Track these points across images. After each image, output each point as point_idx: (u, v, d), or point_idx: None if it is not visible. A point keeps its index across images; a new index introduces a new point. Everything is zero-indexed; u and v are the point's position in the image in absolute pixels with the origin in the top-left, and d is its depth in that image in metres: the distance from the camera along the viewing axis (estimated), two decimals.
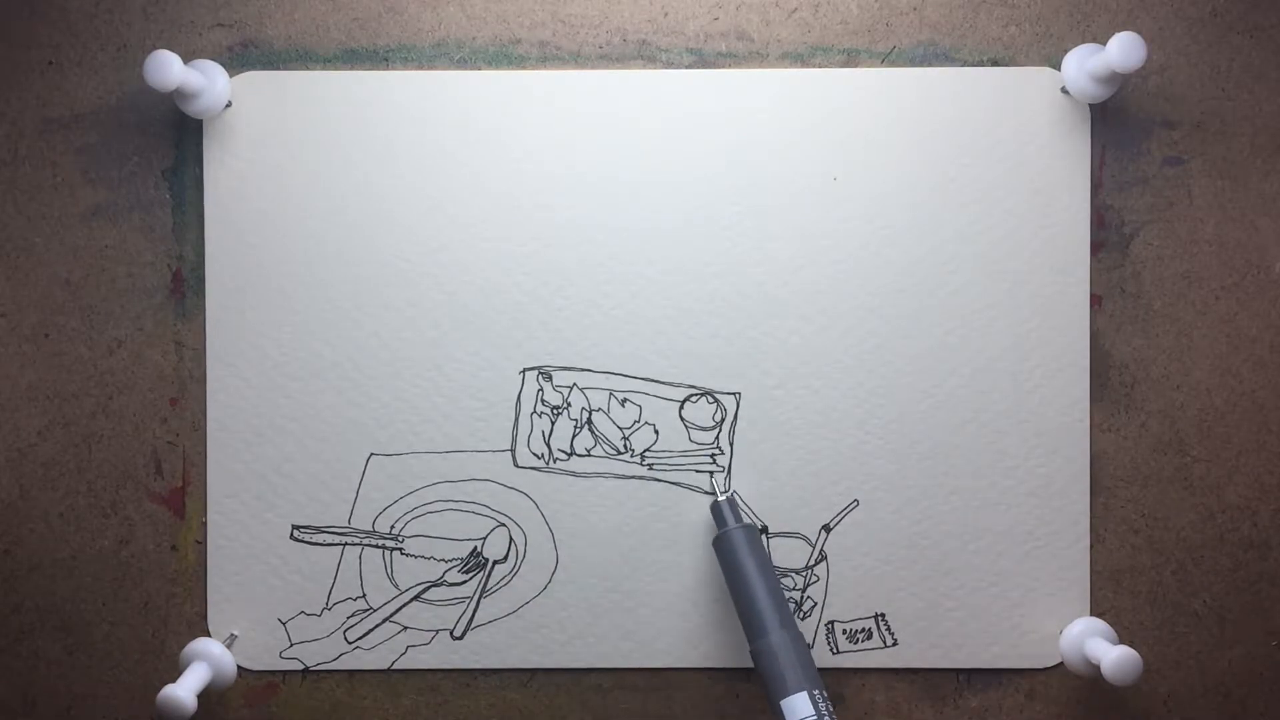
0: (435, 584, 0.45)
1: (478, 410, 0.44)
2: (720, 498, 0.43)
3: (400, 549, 0.44)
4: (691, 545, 0.44)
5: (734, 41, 0.45)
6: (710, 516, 0.43)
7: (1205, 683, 0.45)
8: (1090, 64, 0.42)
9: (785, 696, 0.38)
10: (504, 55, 0.45)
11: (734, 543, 0.41)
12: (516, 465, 0.45)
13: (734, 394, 0.44)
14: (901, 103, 0.44)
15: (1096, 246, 0.44)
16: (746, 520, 0.42)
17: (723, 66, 0.44)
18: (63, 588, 0.45)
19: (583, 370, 0.44)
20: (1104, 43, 0.42)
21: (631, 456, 0.44)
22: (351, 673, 0.45)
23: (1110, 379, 0.45)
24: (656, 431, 0.44)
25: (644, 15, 0.45)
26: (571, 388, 0.44)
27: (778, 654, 0.39)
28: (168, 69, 0.40)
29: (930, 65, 0.44)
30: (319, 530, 0.44)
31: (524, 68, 0.45)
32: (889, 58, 0.45)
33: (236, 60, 0.44)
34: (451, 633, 0.45)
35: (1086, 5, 0.44)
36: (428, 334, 0.44)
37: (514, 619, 0.45)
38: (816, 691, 0.38)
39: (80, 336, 0.44)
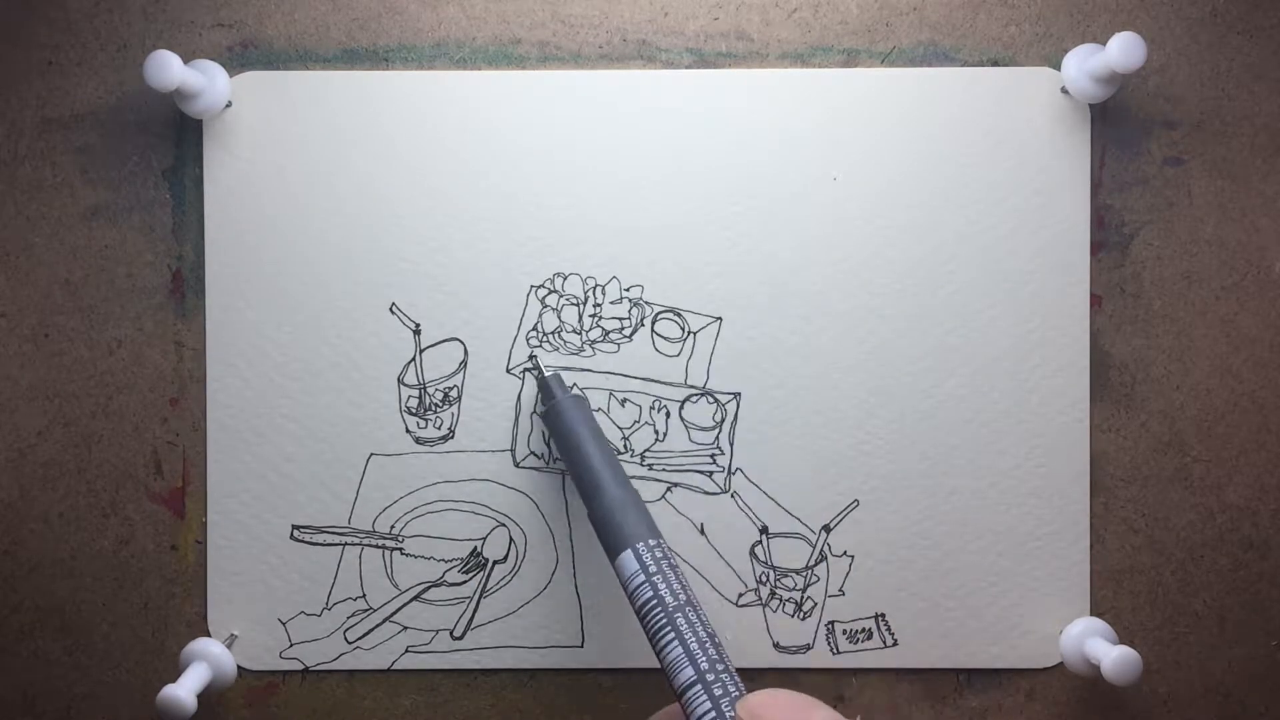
0: (435, 584, 0.45)
1: (478, 410, 0.44)
2: (546, 373, 0.43)
3: (400, 549, 0.44)
4: (692, 545, 0.44)
5: (734, 41, 0.45)
6: (541, 397, 0.43)
7: (1205, 683, 0.45)
8: (1090, 64, 0.42)
9: (626, 548, 0.38)
10: (504, 55, 0.45)
11: (564, 410, 0.42)
12: (516, 465, 0.45)
13: (734, 394, 0.44)
14: (901, 103, 0.44)
15: (1096, 246, 0.44)
16: (576, 393, 0.43)
17: (723, 66, 0.44)
18: (63, 588, 0.45)
19: (583, 370, 0.44)
20: (1104, 43, 0.42)
21: (631, 456, 0.44)
22: (351, 673, 0.45)
23: (1110, 379, 0.45)
24: (656, 431, 0.44)
25: (644, 15, 0.45)
26: (571, 388, 0.44)
27: (614, 510, 0.39)
28: (168, 69, 0.40)
29: (930, 65, 0.44)
30: (319, 530, 0.44)
31: (524, 68, 0.45)
32: (889, 58, 0.45)
33: (236, 60, 0.44)
34: (451, 633, 0.45)
35: (1086, 5, 0.44)
36: (428, 333, 0.44)
37: (514, 619, 0.45)
38: (654, 540, 0.38)
39: (80, 336, 0.44)
